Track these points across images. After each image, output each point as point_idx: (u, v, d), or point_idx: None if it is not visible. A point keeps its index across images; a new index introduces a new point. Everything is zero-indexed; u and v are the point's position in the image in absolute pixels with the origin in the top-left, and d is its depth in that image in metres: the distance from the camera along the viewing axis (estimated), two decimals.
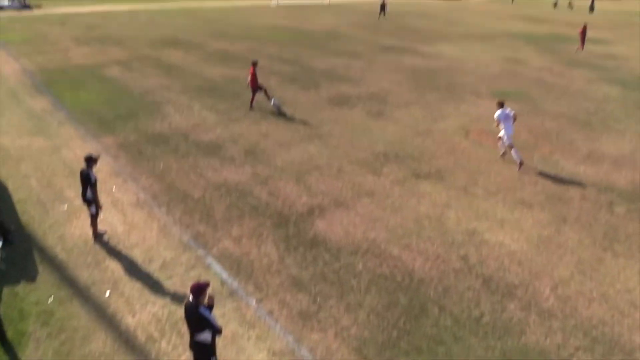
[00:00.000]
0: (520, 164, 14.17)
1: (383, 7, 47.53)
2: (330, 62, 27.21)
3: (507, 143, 14.43)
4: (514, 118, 14.30)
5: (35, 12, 46.44)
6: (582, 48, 34.15)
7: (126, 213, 11.26)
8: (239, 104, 19.06)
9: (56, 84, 21.22)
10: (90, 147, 14.48)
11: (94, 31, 34.88)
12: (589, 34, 35.25)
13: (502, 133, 14.47)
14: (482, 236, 10.76)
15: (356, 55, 29.22)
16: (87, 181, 9.71)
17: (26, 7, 48.64)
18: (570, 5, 71.77)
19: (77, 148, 14.58)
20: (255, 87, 18.25)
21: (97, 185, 9.91)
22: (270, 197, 12.10)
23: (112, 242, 10.17)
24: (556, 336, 8.01)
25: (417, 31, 40.35)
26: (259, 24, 41.01)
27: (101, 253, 9.84)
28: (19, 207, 11.33)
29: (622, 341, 7.96)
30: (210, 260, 9.65)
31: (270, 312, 8.34)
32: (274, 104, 18.22)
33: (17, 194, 11.92)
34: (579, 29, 34.86)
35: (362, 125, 17.28)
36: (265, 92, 18.44)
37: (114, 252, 9.86)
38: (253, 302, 8.57)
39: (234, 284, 9.02)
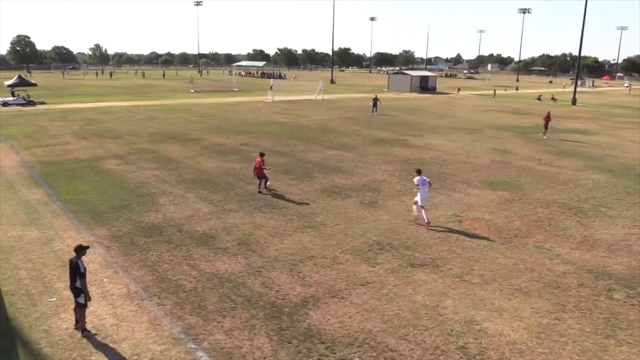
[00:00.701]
0: (428, 223, 16.21)
1: (375, 102, 49.44)
2: (323, 154, 27.82)
3: (420, 204, 16.39)
4: (429, 184, 16.71)
5: (39, 107, 47.97)
6: (545, 133, 36.93)
7: (116, 305, 10.96)
8: (233, 195, 19.22)
9: (53, 176, 21.47)
10: (83, 239, 14.37)
11: (94, 126, 35.85)
12: (575, 124, 36.53)
13: (417, 197, 16.48)
14: (480, 325, 10.47)
15: (349, 148, 29.95)
16: (76, 271, 9.56)
17: (30, 102, 50.31)
18: (553, 99, 74.95)
19: (69, 239, 14.46)
20: (261, 175, 19.93)
21: (86, 275, 9.73)
22: (264, 287, 11.87)
23: (100, 336, 9.81)
24: None
25: (407, 125, 41.70)
26: (254, 118, 42.37)
27: (87, 348, 9.46)
28: (6, 300, 11.03)
29: None
30: (201, 354, 9.28)
31: None
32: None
33: (6, 286, 11.65)
34: (544, 117, 37.86)
35: (355, 215, 17.36)
36: (266, 183, 19.98)
37: (101, 346, 9.48)
38: None
39: None
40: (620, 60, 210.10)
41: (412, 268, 13.20)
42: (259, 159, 20.01)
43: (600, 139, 37.84)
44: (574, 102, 71.10)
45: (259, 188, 19.98)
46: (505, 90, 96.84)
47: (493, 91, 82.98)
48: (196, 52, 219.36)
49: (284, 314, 10.69)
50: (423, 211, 16.45)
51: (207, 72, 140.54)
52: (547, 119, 37.38)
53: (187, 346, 9.50)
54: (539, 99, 76.31)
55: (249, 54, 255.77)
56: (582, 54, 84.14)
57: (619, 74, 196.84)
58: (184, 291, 11.60)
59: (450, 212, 18.05)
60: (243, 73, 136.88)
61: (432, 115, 49.80)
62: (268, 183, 20.36)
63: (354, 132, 36.27)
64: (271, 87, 61.16)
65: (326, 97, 65.75)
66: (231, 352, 9.35)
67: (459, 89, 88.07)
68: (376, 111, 48.69)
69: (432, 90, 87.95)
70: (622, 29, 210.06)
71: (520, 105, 66.25)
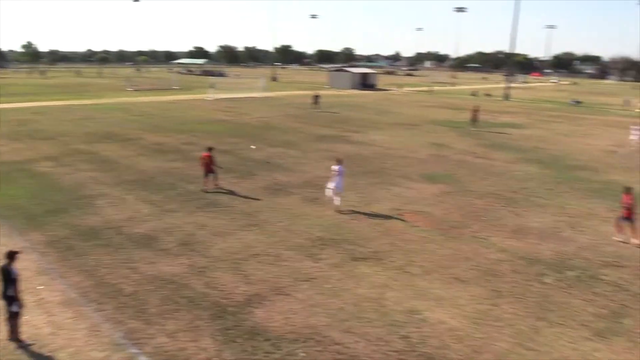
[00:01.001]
0: (337, 208, 17.38)
1: (316, 99, 49.71)
2: (265, 152, 27.72)
3: (333, 190, 17.53)
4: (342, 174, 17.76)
5: None
6: (474, 125, 39.50)
7: (52, 313, 10.53)
8: (174, 195, 18.85)
9: None
10: (15, 245, 13.68)
11: (26, 127, 34.19)
12: (507, 118, 38.13)
13: (331, 184, 17.60)
14: (422, 315, 10.78)
15: (291, 145, 29.98)
16: (8, 278, 9.12)
17: None
18: (487, 95, 77.72)
19: (0, 246, 13.73)
20: (209, 170, 19.61)
21: (18, 282, 9.30)
22: (207, 288, 11.73)
23: (36, 346, 9.40)
24: None
25: (349, 121, 42.15)
26: (195, 117, 41.63)
27: (23, 359, 9.04)
28: None
29: None
30: (143, 358, 9.07)
31: None
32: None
33: None
34: (472, 111, 40.77)
35: (298, 212, 17.42)
36: (215, 179, 19.87)
37: (37, 357, 9.09)
38: None
39: None
40: (548, 57, 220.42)
41: (355, 262, 13.40)
42: (205, 153, 19.68)
43: (531, 132, 39.62)
44: (506, 97, 74.03)
45: (205, 185, 19.60)
46: (442, 86, 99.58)
47: (429, 88, 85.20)
48: (134, 50, 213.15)
49: (228, 314, 10.60)
50: (335, 196, 17.61)
51: (147, 70, 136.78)
52: (475, 112, 40.18)
53: (128, 351, 9.27)
54: (474, 94, 78.95)
55: (189, 51, 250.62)
56: (514, 51, 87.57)
57: (547, 71, 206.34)
58: (124, 295, 11.29)
59: (391, 205, 18.43)
60: (183, 71, 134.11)
61: (373, 111, 50.57)
62: (217, 182, 19.96)
63: (296, 129, 36.32)
64: (212, 84, 60.28)
65: (268, 94, 65.47)
66: (175, 355, 9.19)
67: (400, 87, 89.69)
68: (318, 108, 48.98)
69: (372, 87, 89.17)
70: (550, 27, 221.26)
71: (456, 100, 68.30)
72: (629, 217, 15.35)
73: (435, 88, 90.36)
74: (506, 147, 31.86)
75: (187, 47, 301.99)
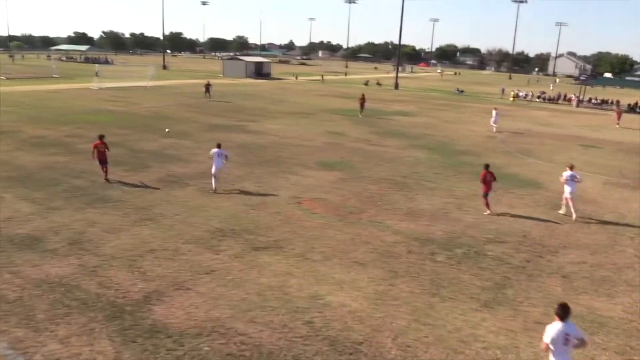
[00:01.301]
0: (215, 190, 18.11)
1: (208, 88, 48.55)
2: (158, 143, 26.68)
3: (213, 172, 18.25)
4: (226, 157, 18.70)
5: None
6: (361, 112, 41.55)
7: None
8: (59, 192, 17.57)
9: None
10: None
11: None
12: (398, 107, 39.77)
13: (213, 169, 18.25)
14: (324, 299, 11.00)
15: (184, 135, 29.11)
16: None
17: None
18: (378, 84, 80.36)
19: None
20: (103, 159, 19.11)
21: None
22: (101, 288, 11.10)
23: None
24: None
25: (244, 110, 41.71)
26: (80, 107, 38.99)
27: None
28: None
29: None
30: None
31: None
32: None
33: None
34: (359, 99, 42.84)
35: (195, 204, 17.00)
36: (106, 170, 19.29)
37: None
38: None
39: None
40: (433, 49, 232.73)
41: (256, 252, 13.35)
42: (98, 142, 19.14)
43: (420, 119, 41.71)
44: (396, 86, 77.22)
45: (106, 175, 19.21)
46: (336, 75, 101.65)
47: (321, 76, 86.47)
48: (5, 35, 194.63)
49: (125, 313, 10.12)
50: (214, 179, 18.32)
51: (22, 56, 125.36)
52: (362, 100, 42.31)
53: None
54: (366, 84, 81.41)
55: (69, 37, 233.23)
56: (402, 43, 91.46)
57: (432, 61, 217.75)
58: (7, 302, 10.37)
59: (290, 194, 18.56)
60: (64, 58, 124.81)
61: (268, 100, 50.45)
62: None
63: (189, 119, 35.30)
64: (97, 73, 56.77)
65: (158, 83, 62.88)
66: None
67: (296, 76, 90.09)
68: (210, 96, 47.88)
69: (267, 76, 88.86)
70: (434, 21, 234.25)
71: (349, 89, 70.01)
72: (486, 191, 17.40)
73: (329, 77, 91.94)
74: (397, 134, 33.28)
75: (67, 32, 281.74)
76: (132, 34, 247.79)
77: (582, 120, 48.14)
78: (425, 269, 12.82)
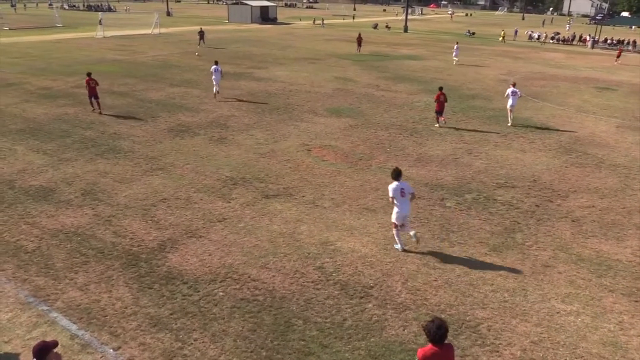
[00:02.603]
0: (215, 95, 18.92)
1: (202, 35, 46.80)
2: (166, 92, 26.53)
3: (214, 81, 18.65)
4: (221, 73, 19.41)
5: None
6: (359, 51, 45.42)
7: None
8: (70, 143, 17.70)
9: None
10: None
11: None
12: (407, 51, 39.02)
13: (214, 80, 18.54)
14: (334, 245, 11.19)
15: (192, 84, 28.88)
16: None
17: None
18: (387, 27, 78.64)
19: None
20: (94, 94, 21.55)
21: None
22: (116, 237, 11.36)
23: None
24: (412, 326, 8.58)
25: (251, 57, 41.10)
26: (85, 57, 38.62)
27: None
28: None
29: (467, 319, 8.79)
30: (55, 314, 8.74)
31: (131, 359, 7.78)
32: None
33: None
34: (357, 37, 47.06)
35: (205, 153, 17.08)
36: (99, 104, 21.70)
37: None
38: (110, 351, 7.93)
39: (86, 335, 8.26)
40: None
41: (267, 199, 13.50)
42: (87, 79, 21.42)
43: (430, 63, 40.94)
44: (405, 29, 75.36)
45: (100, 109, 21.70)
46: (343, 19, 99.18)
47: (321, 20, 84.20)
48: None
49: (141, 261, 10.39)
50: (214, 88, 19.22)
51: (24, 6, 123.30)
52: (359, 39, 46.32)
53: (38, 309, 8.87)
54: (374, 27, 79.50)
55: None
56: None
57: (443, 2, 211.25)
58: (26, 252, 10.67)
59: (299, 141, 18.55)
60: (66, 6, 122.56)
61: (275, 46, 49.59)
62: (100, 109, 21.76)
63: (196, 67, 34.90)
64: (100, 21, 55.82)
65: (163, 30, 61.80)
66: (89, 307, 8.94)
67: (315, 20, 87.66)
68: (204, 43, 46.33)
69: (273, 20, 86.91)
70: None
71: (356, 33, 68.47)
72: (439, 110, 20.99)
73: (334, 21, 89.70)
74: (407, 79, 32.79)
75: None
76: None
77: (596, 62, 47.04)
78: (434, 214, 12.93)
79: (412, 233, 10.88)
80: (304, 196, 13.79)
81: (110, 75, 30.97)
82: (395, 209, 10.80)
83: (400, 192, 10.60)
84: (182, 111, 22.61)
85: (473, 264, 10.62)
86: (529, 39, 68.81)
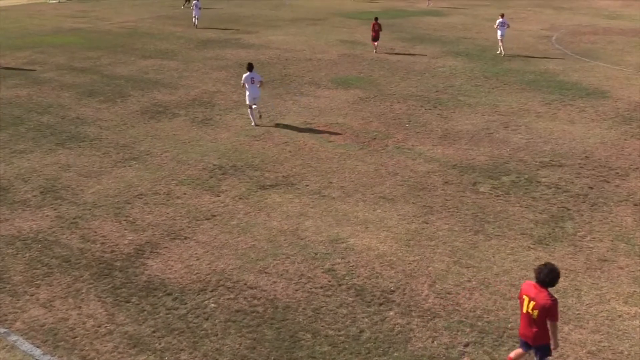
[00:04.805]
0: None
1: None
2: (137, 65, 26.52)
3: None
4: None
5: None
6: None
7: None
8: (24, 132, 17.76)
9: None
10: None
11: None
12: (426, 5, 38.70)
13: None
14: (346, 243, 11.22)
15: (169, 55, 28.84)
16: None
17: None
18: None
19: None
20: None
21: None
22: (84, 242, 11.43)
23: None
24: (442, 337, 8.62)
25: (238, 19, 40.96)
26: (38, 27, 38.61)
27: None
28: None
29: (509, 326, 8.82)
30: (14, 337, 8.82)
31: None
32: None
33: None
34: None
35: (187, 137, 17.10)
36: None
37: None
38: None
39: None
40: None
41: (264, 190, 13.53)
42: None
43: (455, 19, 40.66)
44: None
45: None
46: None
47: None
48: None
49: (115, 270, 10.46)
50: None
51: None
52: None
53: None
54: None
55: None
56: None
57: None
58: None
59: (300, 120, 18.54)
60: None
61: (266, 5, 49.35)
62: None
63: (173, 35, 34.82)
64: None
65: None
66: (55, 327, 9.01)
67: None
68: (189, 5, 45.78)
69: None
70: None
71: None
72: (375, 37, 28.53)
73: None
74: (427, 40, 32.60)
75: None
76: None
77: None
78: (465, 202, 12.92)
79: (255, 108, 17.92)
80: (307, 185, 13.80)
81: (70, 47, 30.96)
82: (247, 92, 17.78)
83: (251, 80, 17.62)
84: (157, 88, 22.61)
85: (514, 260, 10.62)
86: None
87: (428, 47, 30.46)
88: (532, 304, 6.87)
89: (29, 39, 33.75)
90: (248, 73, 17.73)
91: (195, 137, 17.15)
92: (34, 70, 25.74)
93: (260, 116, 18.18)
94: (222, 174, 14.53)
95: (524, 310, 7.02)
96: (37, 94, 21.96)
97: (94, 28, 38.26)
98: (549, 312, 6.83)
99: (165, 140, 16.88)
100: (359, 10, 45.09)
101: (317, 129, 17.74)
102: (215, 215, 12.38)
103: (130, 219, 12.32)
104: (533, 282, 7.01)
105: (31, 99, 21.32)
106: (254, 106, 17.96)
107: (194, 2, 35.98)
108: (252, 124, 18.02)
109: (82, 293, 9.83)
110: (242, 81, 18.00)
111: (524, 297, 7.00)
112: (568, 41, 32.23)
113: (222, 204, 12.90)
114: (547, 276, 6.80)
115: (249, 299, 9.58)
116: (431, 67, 25.87)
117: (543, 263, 7.04)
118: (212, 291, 9.81)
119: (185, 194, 13.45)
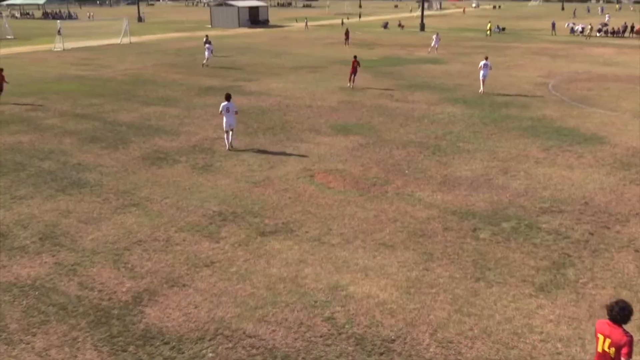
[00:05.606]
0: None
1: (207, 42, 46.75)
2: (139, 112, 26.78)
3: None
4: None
5: None
6: (347, 44, 55.46)
7: None
8: (24, 177, 17.80)
9: None
10: None
11: None
12: (424, 53, 39.28)
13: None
14: (346, 290, 11.10)
15: (171, 102, 29.16)
16: None
17: None
18: (400, 26, 79.54)
19: None
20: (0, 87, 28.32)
21: None
22: (82, 289, 11.32)
23: None
24: None
25: (239, 67, 41.58)
26: (41, 74, 39.18)
27: None
28: None
29: None
30: None
31: None
32: None
33: None
34: (344, 32, 57.55)
35: (188, 183, 17.13)
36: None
37: None
38: None
39: None
40: None
41: (263, 237, 13.47)
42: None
43: (452, 67, 41.29)
44: (422, 27, 76.24)
45: None
46: (347, 18, 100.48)
47: (304, 22, 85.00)
48: None
49: (113, 318, 10.33)
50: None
51: None
52: (347, 34, 56.73)
53: None
54: (385, 26, 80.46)
55: None
56: None
57: None
58: None
59: (300, 166, 18.60)
60: (18, 14, 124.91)
61: (268, 53, 50.18)
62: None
63: (175, 82, 35.30)
64: (59, 31, 56.77)
65: (134, 39, 62.75)
66: None
67: (307, 22, 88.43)
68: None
69: (264, 23, 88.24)
70: None
71: (365, 35, 69.29)
72: (353, 72, 32.12)
73: (337, 22, 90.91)
74: (426, 87, 33.02)
75: None
76: None
77: None
78: (466, 248, 12.85)
79: (231, 140, 20.48)
80: (307, 232, 13.75)
81: (73, 94, 31.34)
82: (224, 119, 19.99)
83: (227, 109, 19.90)
84: (159, 134, 22.77)
85: (516, 308, 10.49)
86: (570, 32, 69.39)
87: (426, 94, 30.82)
88: (607, 341, 6.92)
89: (33, 86, 34.19)
90: (225, 102, 20.16)
91: (195, 183, 17.18)
92: (37, 116, 25.97)
93: (232, 147, 20.50)
94: (222, 220, 14.50)
95: (600, 349, 7.03)
96: (39, 140, 22.11)
97: (97, 75, 38.80)
98: (624, 349, 6.85)
99: (166, 187, 16.91)
100: (359, 58, 45.70)
101: (317, 175, 17.79)
102: (214, 262, 12.30)
103: (129, 265, 12.24)
104: (606, 320, 7.02)
105: (33, 145, 21.44)
106: (230, 132, 20.45)
107: (206, 45, 40.80)
108: (226, 147, 20.49)
109: (79, 342, 9.68)
110: (219, 109, 20.32)
111: (599, 335, 7.03)
112: (564, 88, 32.63)
113: (222, 251, 12.83)
114: (619, 313, 6.85)
115: (248, 348, 9.43)
116: (430, 113, 26.12)
117: (614, 300, 7.05)
118: (210, 340, 9.66)
119: (184, 240, 13.40)
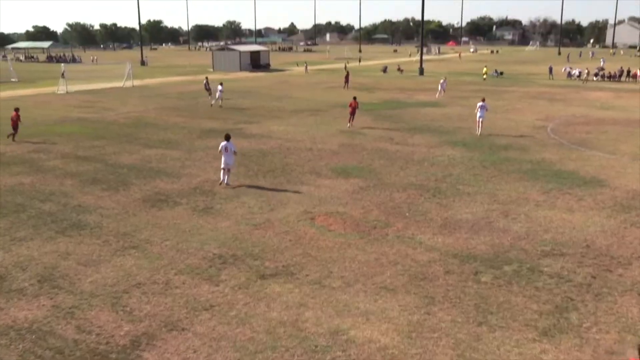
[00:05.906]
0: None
1: (207, 86, 46.90)
2: (141, 155, 26.90)
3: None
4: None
5: None
6: (347, 87, 57.14)
7: None
8: (25, 219, 17.77)
9: None
10: None
11: None
12: (424, 97, 39.72)
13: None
14: (347, 335, 10.96)
15: (172, 144, 29.32)
16: None
17: None
18: (399, 70, 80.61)
19: None
20: (16, 126, 30.29)
21: None
22: (80, 333, 11.17)
23: None
24: None
25: (241, 110, 41.95)
26: (45, 117, 39.51)
27: None
28: None
29: None
30: None
31: None
32: None
33: None
34: (344, 76, 60.07)
35: (188, 226, 17.09)
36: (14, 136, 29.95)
37: None
38: None
39: None
40: (464, 24, 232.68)
41: (263, 280, 13.37)
42: (14, 113, 30.22)
43: (452, 110, 41.67)
44: (421, 72, 77.26)
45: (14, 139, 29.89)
46: (348, 62, 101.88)
47: (304, 66, 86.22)
48: None
49: None
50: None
51: None
52: (347, 77, 59.09)
53: None
54: (384, 70, 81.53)
55: (28, 32, 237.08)
56: (425, 18, 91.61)
57: (464, 39, 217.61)
58: None
59: (300, 209, 18.58)
60: (22, 58, 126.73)
61: (269, 97, 50.71)
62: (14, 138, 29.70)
63: (176, 125, 35.56)
64: (63, 74, 57.50)
65: (137, 83, 63.53)
66: None
67: (307, 66, 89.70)
68: (210, 95, 46.01)
69: (265, 67, 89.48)
70: None
71: (365, 79, 70.24)
72: (352, 113, 33.39)
73: (339, 66, 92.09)
74: (426, 130, 33.27)
75: (25, 27, 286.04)
76: (103, 25, 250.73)
77: None
78: (467, 292, 12.73)
79: (226, 179, 21.08)
80: (307, 275, 13.65)
81: (75, 136, 31.54)
82: (222, 158, 20.74)
83: (225, 148, 20.63)
84: (160, 177, 22.82)
85: (520, 352, 10.34)
86: (567, 76, 70.27)
87: (426, 136, 31.02)
88: None
89: (35, 128, 34.44)
90: (224, 142, 20.94)
91: (195, 225, 17.14)
92: (39, 158, 26.09)
93: (228, 184, 21.12)
94: (222, 263, 14.41)
95: None
96: (40, 181, 22.14)
97: (99, 118, 39.12)
98: None
99: (166, 229, 16.86)
100: (359, 101, 46.15)
101: (317, 218, 17.76)
102: (213, 306, 12.18)
103: (128, 309, 12.11)
104: (637, 358, 7.26)
105: (34, 187, 21.47)
106: (227, 170, 21.19)
107: (219, 87, 43.30)
108: (219, 181, 21.34)
109: None
110: (219, 148, 21.12)
111: None
112: (563, 131, 32.86)
113: (221, 294, 12.71)
114: None
115: None
116: (430, 156, 26.23)
117: None
118: None
119: (184, 283, 13.29)
